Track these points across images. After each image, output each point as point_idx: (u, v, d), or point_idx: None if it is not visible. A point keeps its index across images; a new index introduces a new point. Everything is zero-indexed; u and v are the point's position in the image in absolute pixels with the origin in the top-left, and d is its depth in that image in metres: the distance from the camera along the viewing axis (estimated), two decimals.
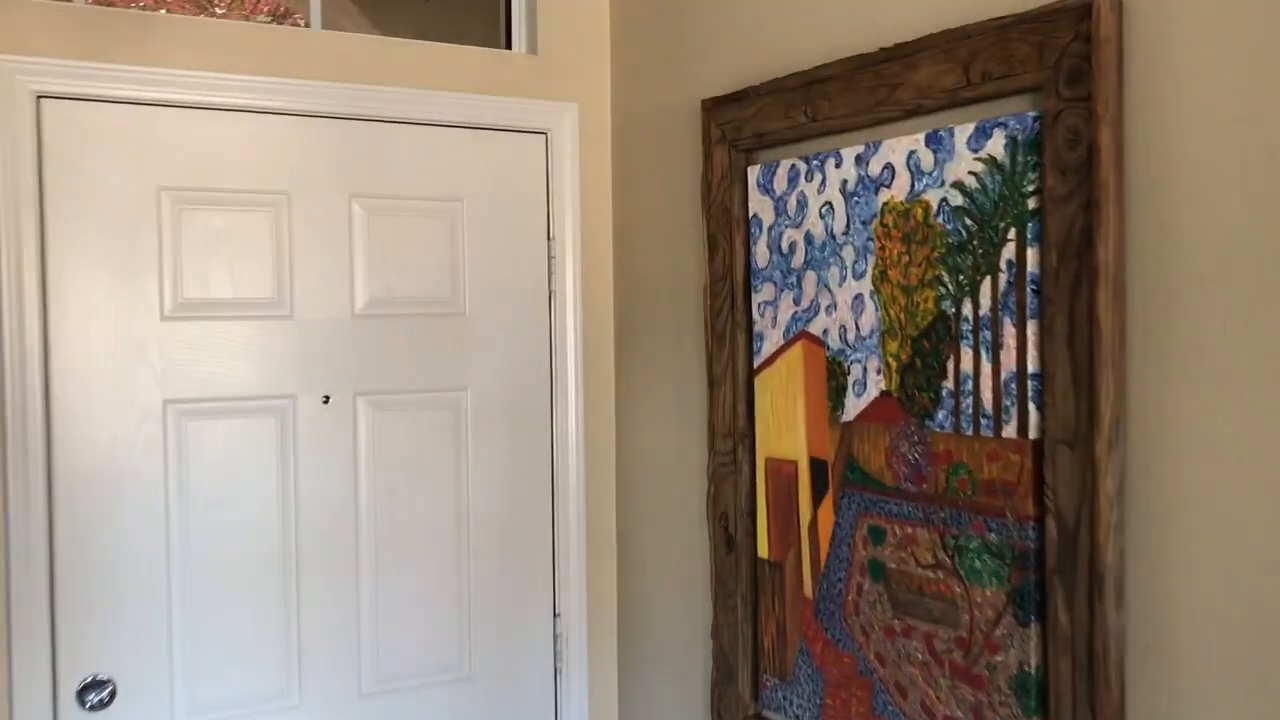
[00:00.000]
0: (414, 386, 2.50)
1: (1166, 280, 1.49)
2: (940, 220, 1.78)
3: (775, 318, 2.12)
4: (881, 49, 1.85)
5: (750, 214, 2.17)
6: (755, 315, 2.16)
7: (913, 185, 1.82)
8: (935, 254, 1.79)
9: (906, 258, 1.84)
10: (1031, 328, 1.64)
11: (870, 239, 1.91)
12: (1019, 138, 1.64)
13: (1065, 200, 1.57)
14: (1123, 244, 1.52)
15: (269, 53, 2.33)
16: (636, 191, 2.55)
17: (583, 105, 2.62)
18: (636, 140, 2.54)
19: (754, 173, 2.15)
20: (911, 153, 1.82)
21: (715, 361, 2.26)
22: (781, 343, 2.11)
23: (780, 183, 2.09)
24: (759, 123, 2.12)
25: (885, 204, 1.88)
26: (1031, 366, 1.64)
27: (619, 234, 2.62)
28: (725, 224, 2.22)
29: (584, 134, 2.62)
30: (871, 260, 1.91)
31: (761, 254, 2.14)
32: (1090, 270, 1.54)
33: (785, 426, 2.11)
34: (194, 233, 2.29)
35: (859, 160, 1.92)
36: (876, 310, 1.90)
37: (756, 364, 2.17)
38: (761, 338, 2.15)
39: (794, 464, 2.09)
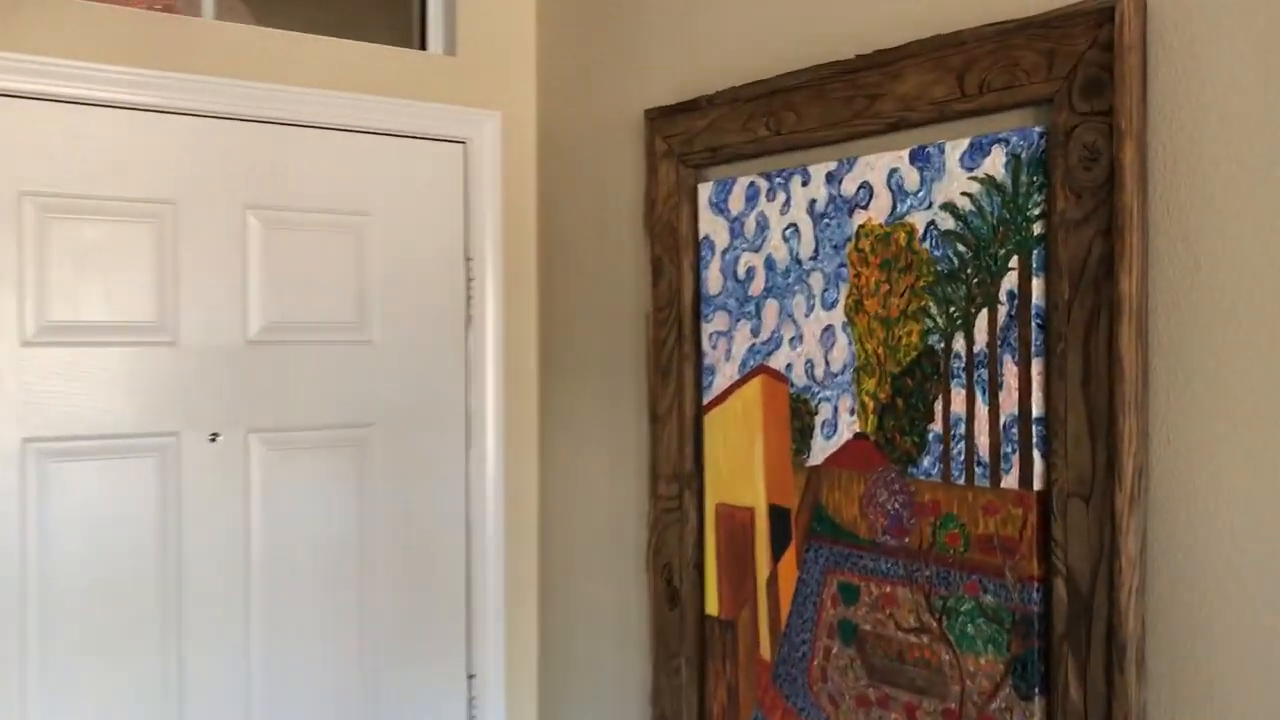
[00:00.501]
0: (315, 422, 2.23)
1: (1195, 314, 1.34)
2: (927, 246, 1.60)
3: (729, 350, 1.92)
4: (859, 56, 1.67)
5: (701, 235, 1.97)
6: (706, 346, 1.96)
7: (894, 206, 1.65)
8: (921, 283, 1.61)
9: (887, 287, 1.66)
10: (1036, 366, 1.48)
11: (843, 265, 1.73)
12: (1022, 155, 1.48)
13: (1080, 225, 1.41)
14: (1145, 274, 1.37)
15: (154, 42, 2.05)
16: (566, 209, 2.33)
17: (506, 113, 2.40)
18: (567, 153, 2.32)
19: (705, 190, 1.96)
20: (893, 171, 1.65)
21: (659, 397, 2.05)
22: (736, 377, 1.91)
23: (736, 202, 1.90)
24: (712, 136, 1.93)
25: (861, 227, 1.70)
26: (1036, 409, 1.48)
27: (545, 255, 2.40)
28: (672, 246, 2.02)
29: (507, 144, 2.39)
30: (844, 289, 1.72)
31: (714, 279, 1.95)
32: (1111, 303, 1.38)
33: (740, 470, 1.91)
34: (62, 245, 1.99)
35: (830, 178, 1.74)
36: (850, 344, 1.72)
37: (707, 400, 1.97)
38: (713, 371, 1.95)
39: (750, 511, 1.89)
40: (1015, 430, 1.50)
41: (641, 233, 2.12)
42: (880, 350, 1.67)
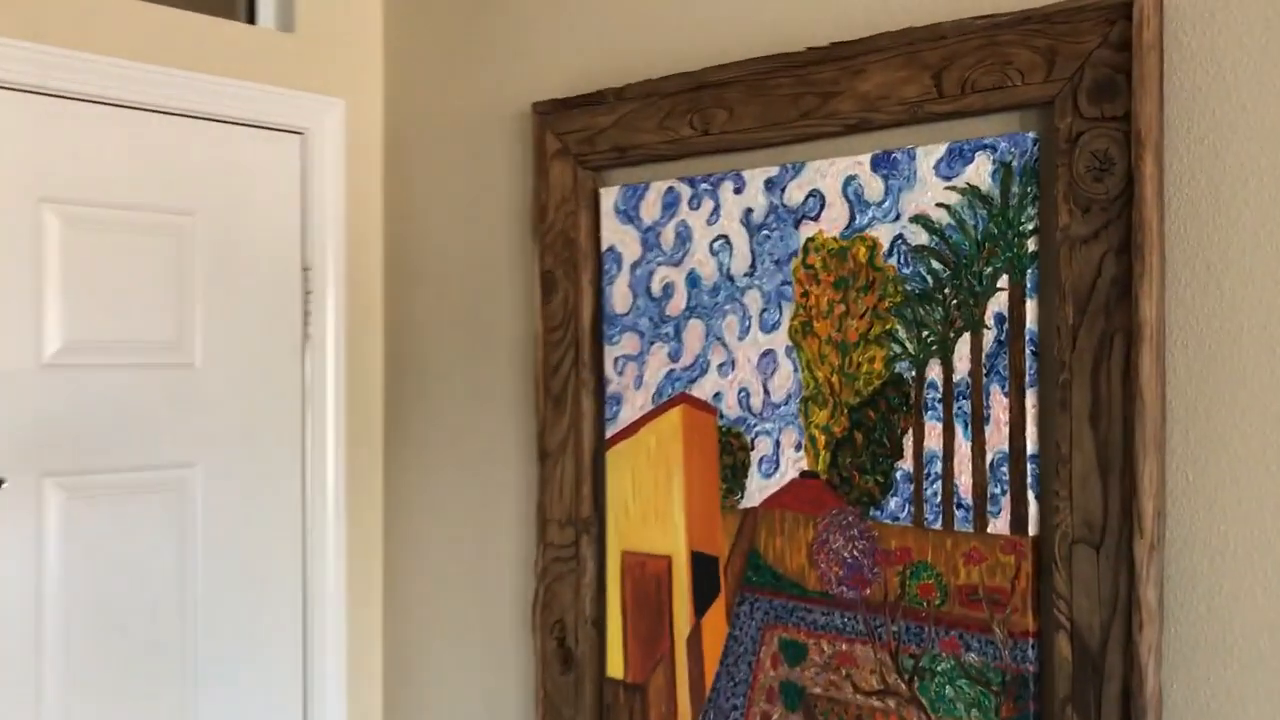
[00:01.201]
0: (124, 463, 1.85)
1: (1218, 342, 1.22)
2: (894, 262, 1.43)
3: (641, 376, 1.70)
4: (811, 48, 1.49)
5: (604, 246, 1.73)
6: (610, 372, 1.73)
7: (852, 218, 1.47)
8: (887, 304, 1.44)
9: (843, 307, 1.48)
10: (1030, 398, 1.33)
11: (787, 283, 1.53)
12: (1013, 163, 1.33)
13: (1088, 243, 1.27)
14: (1163, 298, 1.24)
15: None
16: (426, 213, 2.04)
17: (352, 101, 2.08)
18: (427, 149, 2.03)
19: (610, 195, 1.72)
20: (851, 178, 1.47)
21: (549, 430, 1.80)
22: (650, 407, 1.69)
23: (651, 209, 1.68)
24: (621, 134, 1.70)
25: (810, 240, 1.51)
26: (1031, 446, 1.33)
27: (397, 266, 2.09)
28: (568, 258, 1.77)
29: (353, 138, 2.08)
30: (789, 309, 1.53)
31: (620, 296, 1.72)
32: (1128, 330, 1.24)
33: (654, 513, 1.68)
34: None
35: (770, 185, 1.55)
36: (796, 371, 1.53)
37: (610, 433, 1.73)
38: (618, 401, 1.72)
39: (665, 560, 1.67)
40: (1005, 469, 1.34)
41: (528, 243, 1.86)
42: (835, 379, 1.49)
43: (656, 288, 1.68)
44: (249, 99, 1.97)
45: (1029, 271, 1.33)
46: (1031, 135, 1.32)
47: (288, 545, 2.03)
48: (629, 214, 1.70)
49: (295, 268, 2.04)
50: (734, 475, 1.59)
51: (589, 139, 1.74)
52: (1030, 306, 1.33)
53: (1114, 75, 1.25)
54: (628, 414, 1.71)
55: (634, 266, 1.70)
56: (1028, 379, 1.33)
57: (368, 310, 2.11)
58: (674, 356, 1.66)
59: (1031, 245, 1.33)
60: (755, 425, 1.57)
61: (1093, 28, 1.26)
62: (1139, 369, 1.23)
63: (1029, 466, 1.33)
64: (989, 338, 1.36)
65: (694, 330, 1.64)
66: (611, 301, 1.73)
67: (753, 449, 1.57)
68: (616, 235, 1.72)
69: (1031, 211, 1.32)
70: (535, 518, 1.83)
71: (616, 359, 1.72)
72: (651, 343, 1.68)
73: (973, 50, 1.35)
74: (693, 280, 1.63)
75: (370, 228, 2.11)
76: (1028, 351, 1.33)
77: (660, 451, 1.68)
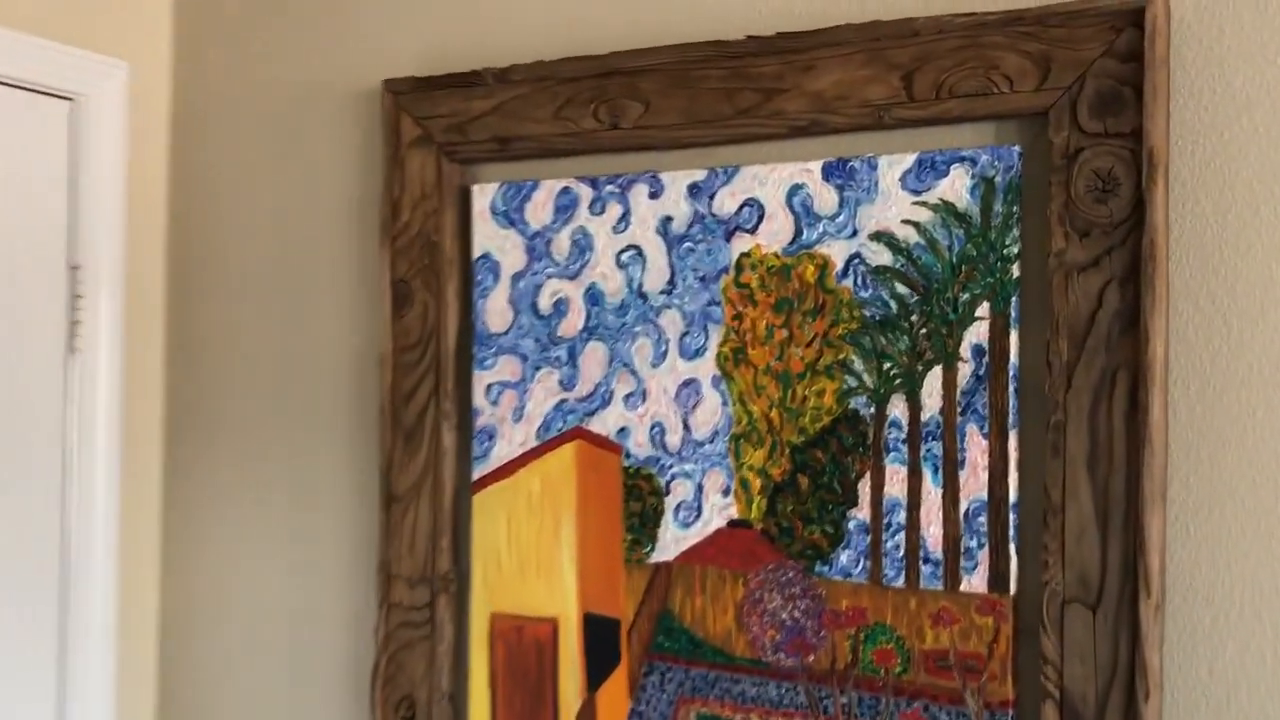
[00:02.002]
0: None
1: (1224, 383, 1.14)
2: (849, 284, 1.27)
3: (522, 408, 1.45)
4: (751, 37, 1.31)
5: (477, 253, 1.47)
6: (481, 402, 1.47)
7: (798, 232, 1.29)
8: (840, 330, 1.27)
9: (785, 333, 1.30)
10: (1014, 440, 1.20)
11: (715, 303, 1.34)
12: (995, 179, 1.20)
13: (1087, 271, 1.15)
14: (1168, 332, 1.14)
15: None
16: (232, 207, 1.69)
17: (138, 65, 1.70)
18: (239, 128, 1.68)
19: (486, 194, 1.47)
20: (797, 187, 1.29)
21: (398, 470, 1.51)
22: (533, 444, 1.44)
23: (540, 212, 1.44)
24: (504, 122, 1.45)
25: (745, 255, 1.32)
26: (1014, 494, 1.20)
27: (190, 269, 1.72)
28: (428, 265, 1.50)
29: (139, 110, 1.70)
30: (717, 333, 1.34)
31: (497, 312, 1.46)
32: (1134, 368, 1.13)
33: (535, 568, 1.44)
34: None
35: (696, 191, 1.35)
36: (725, 404, 1.33)
37: (479, 474, 1.47)
38: (491, 435, 1.46)
39: (550, 624, 1.43)
40: (983, 519, 1.20)
41: (372, 246, 1.57)
42: (774, 414, 1.31)
43: (546, 304, 1.43)
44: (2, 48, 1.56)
45: (1014, 299, 1.19)
46: (1017, 149, 1.19)
47: (41, 629, 1.62)
48: (511, 216, 1.45)
49: (59, 264, 1.64)
50: (643, 524, 1.38)
51: (459, 126, 1.48)
52: (1014, 339, 1.20)
53: (1120, 88, 1.14)
54: (503, 451, 1.46)
55: (516, 278, 1.45)
56: (1010, 419, 1.19)
57: (152, 319, 1.73)
58: (567, 384, 1.42)
59: (1016, 270, 1.19)
60: (672, 466, 1.36)
61: (1095, 35, 1.15)
62: (1148, 411, 1.12)
63: (1011, 517, 1.19)
64: (965, 372, 1.21)
65: (594, 355, 1.41)
66: (485, 318, 1.47)
67: (668, 494, 1.36)
68: (493, 241, 1.46)
69: (1016, 233, 1.19)
70: (377, 574, 1.53)
71: (490, 386, 1.47)
72: (537, 368, 1.44)
73: (951, 51, 1.21)
74: (593, 297, 1.41)
75: (158, 221, 1.73)
76: (1011, 389, 1.19)
77: (546, 496, 1.43)
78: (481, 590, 1.47)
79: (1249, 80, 1.12)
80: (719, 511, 1.34)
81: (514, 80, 1.44)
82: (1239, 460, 1.12)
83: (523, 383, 1.45)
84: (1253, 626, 1.12)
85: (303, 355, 1.62)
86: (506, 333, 1.46)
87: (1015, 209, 1.19)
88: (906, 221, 1.24)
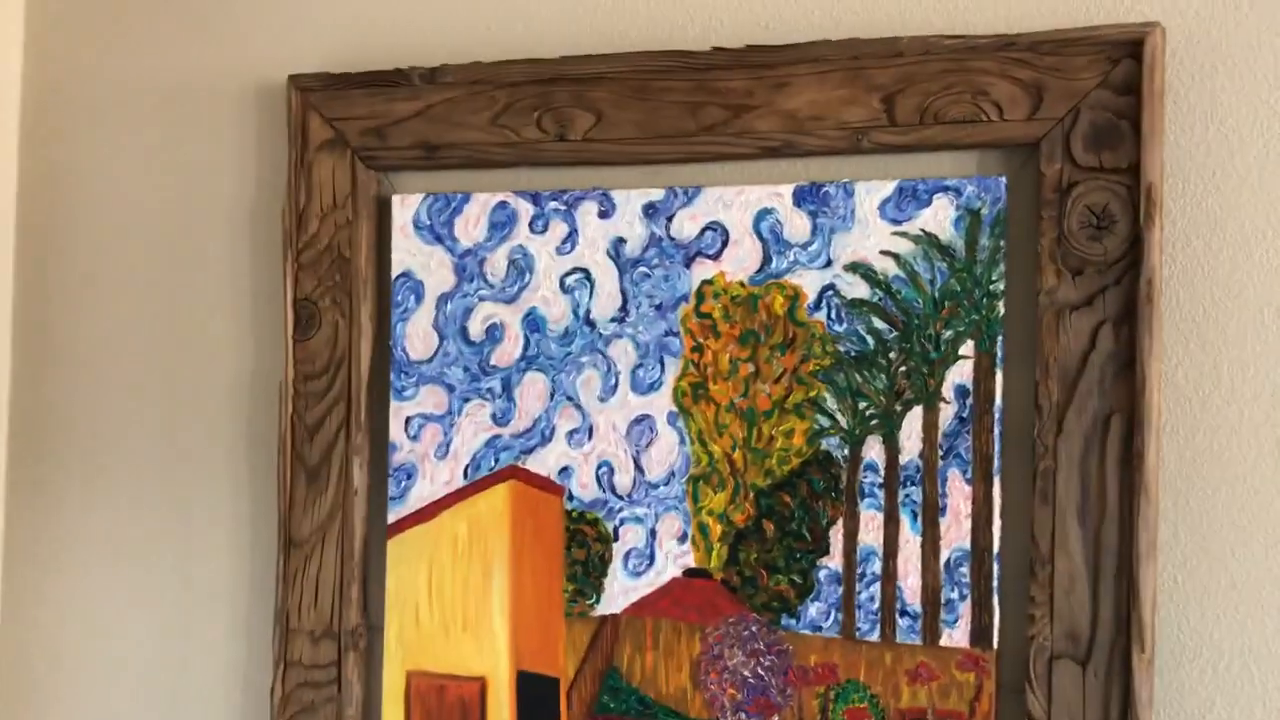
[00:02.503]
0: None
1: (1213, 432, 1.11)
2: (822, 317, 1.19)
3: (447, 443, 1.31)
4: (718, 49, 1.21)
5: (397, 271, 1.33)
6: (400, 437, 1.32)
7: (766, 260, 1.21)
8: (811, 366, 1.19)
9: (750, 368, 1.21)
10: (998, 486, 1.14)
11: (673, 334, 1.24)
12: (982, 211, 1.14)
13: (1079, 311, 1.11)
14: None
15: None
16: (102, 213, 1.47)
17: None
18: (108, 126, 1.47)
19: (409, 206, 1.32)
20: (765, 212, 1.21)
21: (299, 512, 1.35)
22: (460, 483, 1.31)
23: (471, 228, 1.30)
24: (432, 128, 1.31)
25: (707, 283, 1.23)
26: (998, 544, 1.14)
27: (47, 282, 1.50)
28: (339, 283, 1.34)
29: None
30: (674, 366, 1.24)
31: (420, 337, 1.32)
32: (1129, 413, 1.09)
33: (460, 622, 1.30)
34: None
35: (652, 211, 1.24)
36: (682, 443, 1.23)
37: (396, 517, 1.32)
38: (410, 474, 1.32)
39: (478, 683, 1.30)
40: (965, 570, 1.14)
41: (270, 259, 1.40)
42: (738, 455, 1.21)
43: (477, 329, 1.30)
44: None
45: (1000, 339, 1.13)
46: (1004, 180, 1.14)
47: None
48: (437, 232, 1.31)
49: None
50: (587, 573, 1.26)
51: (378, 130, 1.33)
52: (999, 380, 1.14)
53: (1116, 121, 1.10)
54: (424, 492, 1.31)
55: (443, 300, 1.31)
56: (995, 465, 1.13)
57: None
58: (501, 419, 1.29)
59: (1002, 308, 1.14)
60: (621, 510, 1.25)
61: (1090, 65, 1.10)
62: (1143, 458, 1.07)
63: (994, 567, 1.13)
64: (947, 413, 1.15)
65: (533, 386, 1.28)
66: (405, 344, 1.32)
67: (616, 540, 1.25)
68: (417, 258, 1.32)
69: (1002, 268, 1.14)
70: (274, 629, 1.36)
71: (410, 419, 1.32)
72: (466, 400, 1.30)
73: (936, 74, 1.15)
74: (533, 323, 1.28)
75: (4, 228, 1.51)
76: (996, 432, 1.13)
77: (475, 541, 1.30)
78: (396, 646, 1.32)
79: (1242, 120, 1.10)
80: (674, 559, 1.23)
81: (444, 82, 1.30)
82: (1229, 509, 1.10)
83: (448, 416, 1.31)
84: (1241, 681, 1.09)
85: (186, 380, 1.43)
86: (430, 360, 1.32)
87: (1002, 243, 1.13)
88: (885, 252, 1.17)
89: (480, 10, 1.32)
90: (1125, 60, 1.09)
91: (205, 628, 1.42)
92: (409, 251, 1.32)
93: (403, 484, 1.32)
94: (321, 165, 1.35)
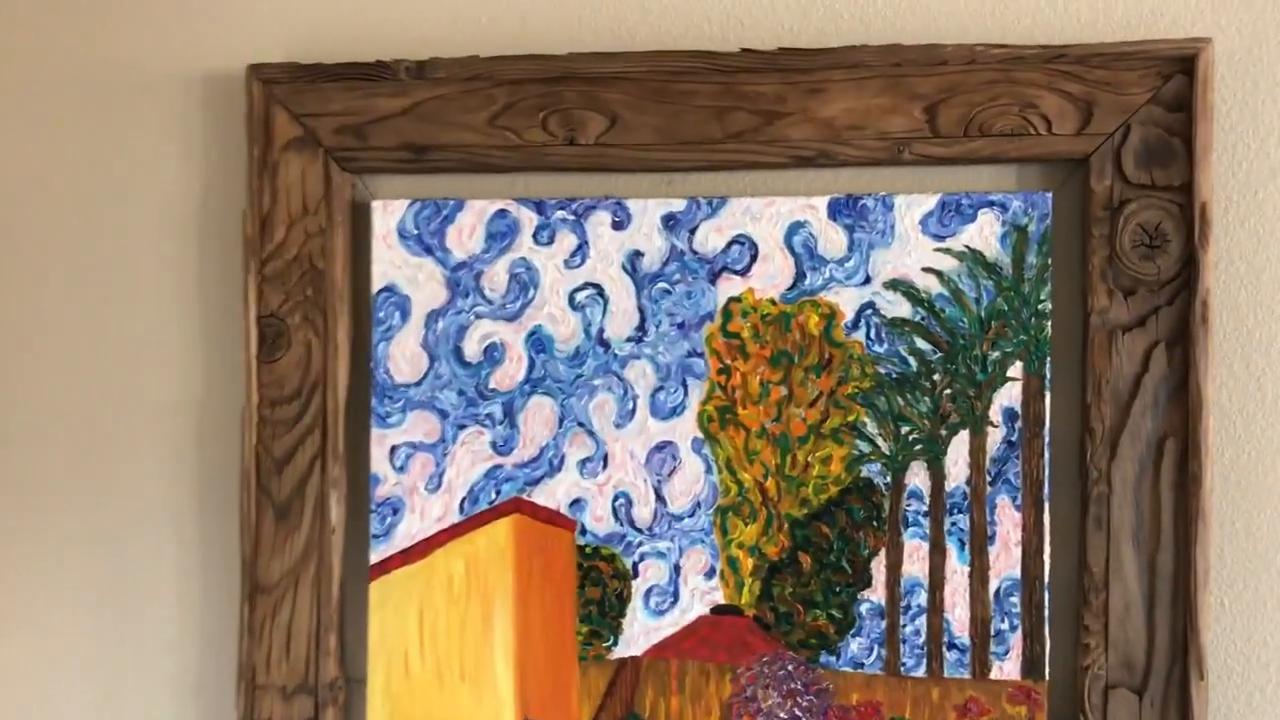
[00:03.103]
0: None
1: (1259, 453, 1.10)
2: (860, 337, 1.13)
3: (439, 474, 1.19)
4: (747, 50, 1.14)
5: (379, 284, 1.20)
6: (384, 468, 1.20)
7: (800, 275, 1.14)
8: (850, 389, 1.13)
9: (783, 391, 1.14)
10: (1047, 512, 1.10)
11: (697, 354, 1.15)
12: (1029, 228, 1.10)
13: (1132, 332, 1.08)
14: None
15: None
16: (25, 218, 1.29)
17: None
18: (35, 119, 1.28)
19: (393, 213, 1.20)
20: (798, 225, 1.14)
21: (267, 552, 1.21)
22: (455, 518, 1.19)
23: (466, 238, 1.19)
24: (420, 127, 1.19)
25: (735, 300, 1.15)
26: (1049, 572, 1.10)
27: None
28: (311, 298, 1.20)
29: None
30: (699, 389, 1.15)
31: (407, 358, 1.20)
32: (1183, 435, 1.07)
33: (458, 670, 1.19)
34: None
35: (673, 223, 1.16)
36: (709, 471, 1.15)
37: (380, 556, 1.20)
38: (396, 509, 1.20)
39: None
40: (1015, 600, 1.10)
41: (234, 269, 1.24)
42: (770, 483, 1.14)
43: (473, 349, 1.19)
44: None
45: (1049, 360, 1.10)
46: (1050, 195, 1.10)
47: None
48: (426, 242, 1.19)
49: None
50: (603, 613, 1.16)
51: (358, 129, 1.19)
52: (1050, 402, 1.10)
53: (1168, 138, 1.07)
54: (413, 528, 1.19)
55: (433, 317, 1.19)
56: (1046, 490, 1.10)
57: None
58: (502, 447, 1.18)
59: (1049, 328, 1.10)
60: (641, 545, 1.16)
61: (1141, 79, 1.08)
62: (1200, 482, 1.06)
63: (1046, 596, 1.09)
64: (995, 437, 1.11)
65: (539, 411, 1.18)
66: (389, 365, 1.20)
67: (636, 576, 1.16)
68: (402, 271, 1.19)
69: (1050, 287, 1.10)
70: (238, 686, 1.21)
71: (395, 448, 1.20)
72: (461, 426, 1.19)
73: (982, 85, 1.10)
74: (538, 342, 1.18)
75: None
76: (1046, 456, 1.10)
77: (474, 581, 1.19)
78: (383, 700, 1.19)
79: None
80: (701, 596, 1.15)
81: (435, 77, 1.18)
82: (1275, 532, 1.09)
83: (441, 444, 1.19)
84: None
85: (129, 408, 1.25)
86: (419, 383, 1.19)
87: (1050, 261, 1.10)
88: (928, 269, 1.12)
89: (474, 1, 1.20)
90: (1176, 76, 1.07)
91: (157, 691, 1.25)
92: (393, 263, 1.19)
93: (387, 520, 1.19)
94: (289, 166, 1.20)
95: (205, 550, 1.25)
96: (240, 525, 1.20)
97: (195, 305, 1.25)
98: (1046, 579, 1.09)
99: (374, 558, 1.19)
